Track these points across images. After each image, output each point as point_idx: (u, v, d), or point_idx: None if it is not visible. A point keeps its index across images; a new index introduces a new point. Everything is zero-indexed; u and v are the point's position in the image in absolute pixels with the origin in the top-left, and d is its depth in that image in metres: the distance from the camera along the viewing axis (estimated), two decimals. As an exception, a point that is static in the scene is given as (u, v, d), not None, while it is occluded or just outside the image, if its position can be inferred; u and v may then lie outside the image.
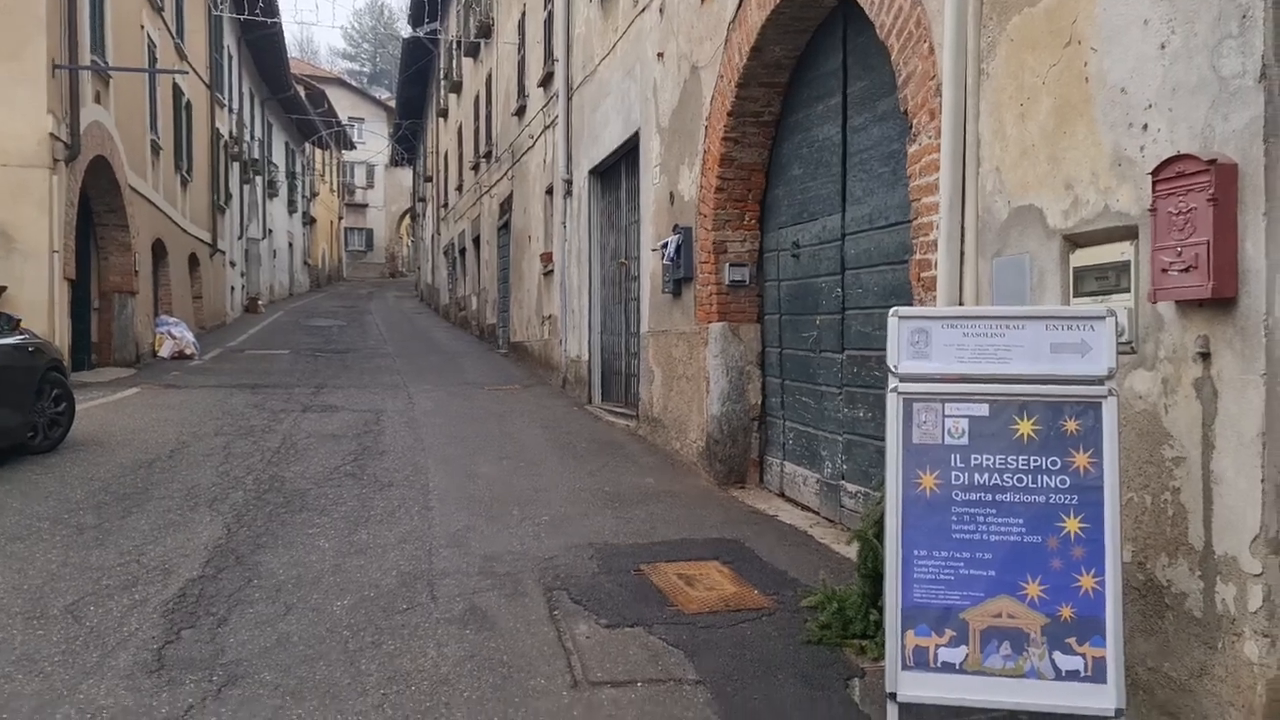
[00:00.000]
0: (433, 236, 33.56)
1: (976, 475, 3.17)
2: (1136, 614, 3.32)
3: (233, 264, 25.62)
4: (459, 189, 25.65)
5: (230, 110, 24.93)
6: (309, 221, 41.48)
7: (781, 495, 7.30)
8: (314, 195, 42.90)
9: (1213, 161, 2.99)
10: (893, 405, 3.24)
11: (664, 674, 3.93)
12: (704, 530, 6.23)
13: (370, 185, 55.49)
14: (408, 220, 53.83)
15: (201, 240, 21.49)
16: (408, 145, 38.82)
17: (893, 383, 3.25)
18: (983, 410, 3.20)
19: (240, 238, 26.73)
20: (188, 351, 17.00)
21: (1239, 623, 2.98)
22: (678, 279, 8.34)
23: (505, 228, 18.56)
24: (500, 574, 5.23)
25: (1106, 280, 3.56)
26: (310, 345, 19.43)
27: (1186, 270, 3.07)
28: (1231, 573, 3.00)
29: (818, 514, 6.67)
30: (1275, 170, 2.92)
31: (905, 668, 3.11)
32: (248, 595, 4.83)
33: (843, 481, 6.32)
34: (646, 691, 3.76)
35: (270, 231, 31.99)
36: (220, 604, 4.69)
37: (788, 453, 7.28)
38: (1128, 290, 3.45)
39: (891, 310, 3.31)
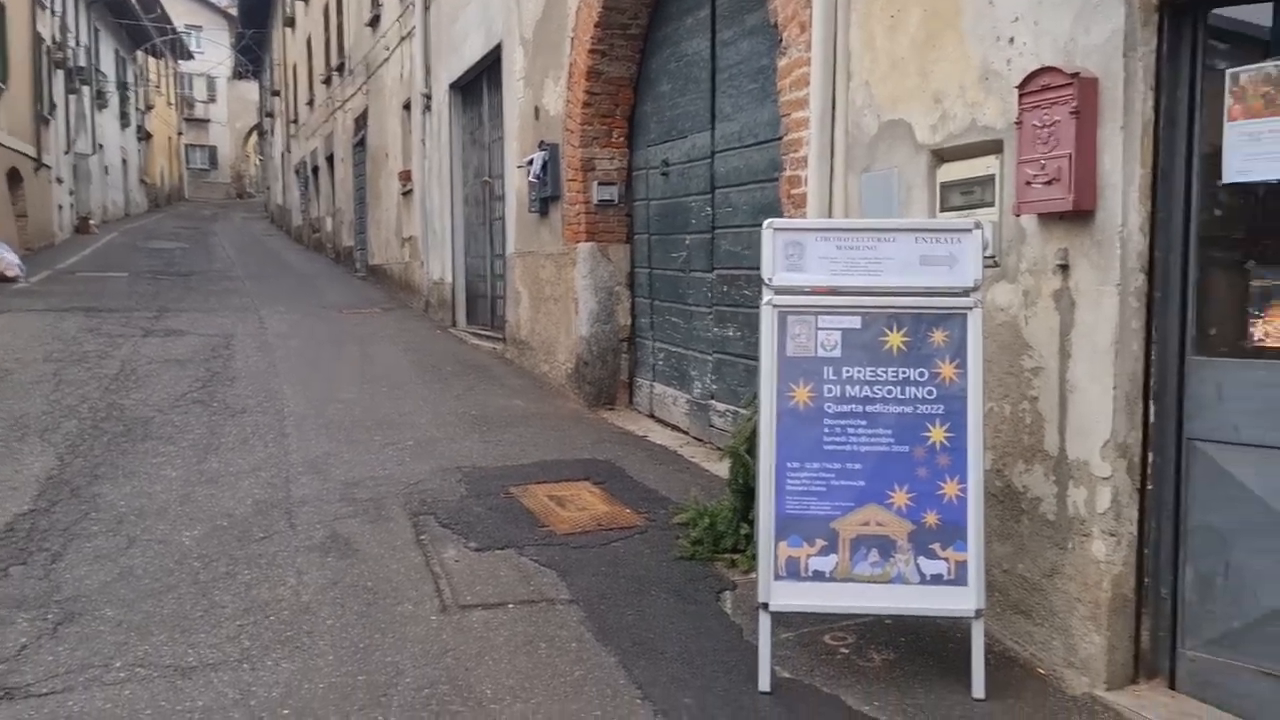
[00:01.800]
0: (283, 154, 31.86)
1: (848, 387, 3.19)
2: (994, 519, 3.44)
3: (60, 181, 23.68)
4: (310, 104, 24.34)
5: (52, 12, 22.77)
6: (144, 137, 38.66)
7: (652, 416, 7.32)
8: (149, 109, 39.94)
9: (1076, 75, 3.03)
10: (767, 318, 3.22)
11: (536, 594, 3.88)
12: (574, 452, 6.18)
13: (212, 99, 52.08)
14: (255, 137, 50.93)
15: (23, 154, 19.74)
16: (252, 57, 36.50)
17: (767, 295, 3.22)
18: (855, 323, 3.21)
19: (68, 153, 24.69)
20: (9, 273, 15.66)
21: (1088, 524, 3.12)
22: (544, 198, 8.13)
23: (361, 145, 17.74)
24: (363, 500, 5.06)
25: (972, 195, 3.61)
26: (151, 268, 18.23)
27: (1049, 183, 3.12)
28: (1083, 477, 3.13)
29: (687, 434, 6.71)
30: (1133, 84, 2.98)
31: (777, 578, 3.14)
32: (85, 529, 4.51)
33: (712, 401, 6.36)
34: (519, 612, 3.71)
35: (101, 146, 29.65)
36: (54, 538, 4.37)
37: (658, 374, 7.27)
38: (992, 204, 3.50)
39: (766, 222, 3.26)
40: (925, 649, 3.43)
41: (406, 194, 13.89)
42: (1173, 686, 3.08)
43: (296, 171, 28.01)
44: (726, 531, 4.28)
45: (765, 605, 3.13)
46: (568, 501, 5.06)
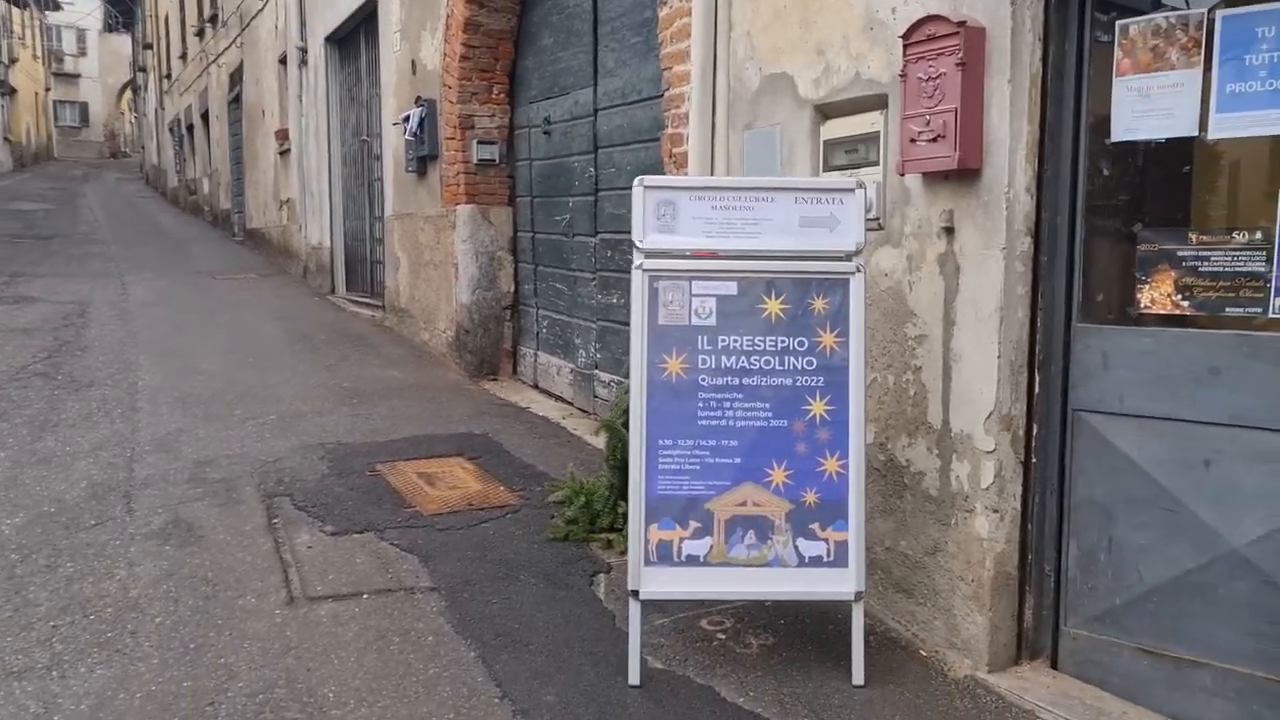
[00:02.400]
0: (156, 111, 30.14)
1: (724, 358, 2.97)
2: (877, 495, 3.29)
3: (-95, 136, 21.93)
4: (183, 58, 22.99)
5: (-111, -50, 20.94)
6: (8, 92, 36.16)
7: (535, 386, 7.03)
8: (13, 62, 37.35)
9: (962, 23, 2.84)
10: (638, 283, 2.97)
11: (394, 583, 3.58)
12: (450, 425, 5.86)
13: (82, 53, 49.07)
14: (129, 94, 48.17)
15: None
16: (124, 8, 34.48)
17: (638, 259, 2.97)
18: (731, 289, 2.98)
19: (-86, 105, 22.86)
20: None
21: (971, 499, 2.98)
22: (422, 156, 7.71)
23: (236, 101, 16.81)
24: (213, 480, 4.66)
25: (856, 153, 3.41)
26: (8, 231, 16.98)
27: (934, 140, 2.94)
28: (966, 450, 2.98)
29: (571, 405, 6.45)
30: (1021, 34, 2.81)
31: (648, 563, 2.92)
32: (-115, 520, 4.03)
33: (596, 370, 6.11)
34: (372, 604, 3.41)
35: (-44, 100, 27.62)
36: None
37: (541, 342, 6.98)
38: (877, 163, 3.31)
39: (636, 179, 3.00)
40: (805, 632, 3.26)
41: (284, 154, 13.18)
42: (1055, 666, 2.97)
43: (170, 130, 26.54)
44: (603, 510, 4.04)
45: (635, 593, 2.91)
46: (438, 479, 4.76)
